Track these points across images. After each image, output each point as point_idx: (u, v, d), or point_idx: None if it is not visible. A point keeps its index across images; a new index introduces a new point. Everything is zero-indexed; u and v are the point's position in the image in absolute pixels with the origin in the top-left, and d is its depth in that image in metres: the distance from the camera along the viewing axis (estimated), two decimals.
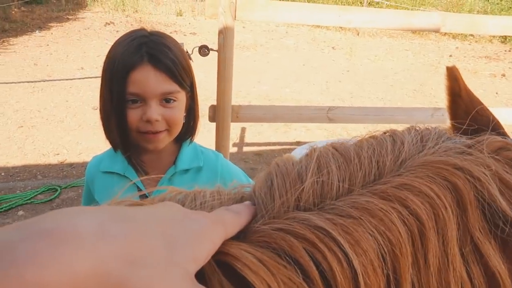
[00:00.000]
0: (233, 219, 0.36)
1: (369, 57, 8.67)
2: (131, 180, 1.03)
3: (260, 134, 4.76)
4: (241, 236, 0.35)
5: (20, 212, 3.05)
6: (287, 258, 0.32)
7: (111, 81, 0.91)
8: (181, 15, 11.49)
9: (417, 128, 0.46)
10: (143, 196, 1.02)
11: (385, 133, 0.45)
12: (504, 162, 0.40)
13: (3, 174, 3.57)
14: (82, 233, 0.24)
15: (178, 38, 9.08)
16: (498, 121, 0.54)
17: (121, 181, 1.04)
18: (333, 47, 9.39)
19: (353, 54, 8.72)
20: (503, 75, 7.85)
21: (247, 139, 4.63)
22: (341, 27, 10.67)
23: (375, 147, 0.41)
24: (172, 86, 0.92)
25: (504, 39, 10.56)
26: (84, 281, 0.23)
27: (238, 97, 5.63)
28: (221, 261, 0.32)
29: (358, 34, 10.63)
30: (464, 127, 0.51)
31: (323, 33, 10.74)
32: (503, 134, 0.51)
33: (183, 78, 0.95)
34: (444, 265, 0.35)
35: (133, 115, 0.91)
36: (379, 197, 0.36)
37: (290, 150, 3.64)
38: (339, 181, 0.37)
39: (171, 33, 9.32)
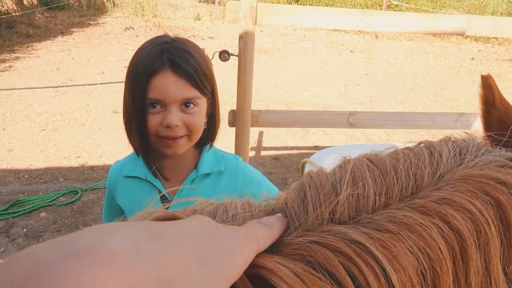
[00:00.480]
0: (265, 233, 0.35)
1: (389, 60, 8.56)
2: (153, 184, 1.04)
3: (278, 138, 4.74)
4: (274, 249, 0.35)
5: (43, 214, 3.11)
6: (322, 271, 0.31)
7: (133, 86, 0.92)
8: (199, 20, 11.61)
9: (454, 140, 0.44)
10: (166, 200, 1.03)
11: (420, 144, 0.43)
12: None
13: (26, 176, 3.65)
14: (117, 253, 0.24)
15: (196, 42, 9.10)
16: None
17: (143, 186, 1.05)
18: (351, 51, 9.31)
19: (372, 57, 8.62)
20: None
21: (264, 143, 4.62)
22: (359, 30, 10.58)
23: (411, 159, 0.40)
24: (192, 92, 0.93)
25: None
26: None
27: (255, 101, 5.63)
28: (254, 274, 0.32)
29: (377, 37, 10.52)
30: (506, 139, 0.49)
31: (341, 36, 10.66)
32: None
33: (203, 84, 0.95)
34: (486, 284, 0.34)
35: (153, 120, 0.92)
36: (418, 212, 0.34)
37: (308, 154, 3.61)
38: (375, 194, 0.36)
39: (189, 37, 9.40)
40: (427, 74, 7.78)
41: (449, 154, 0.40)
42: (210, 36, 9.71)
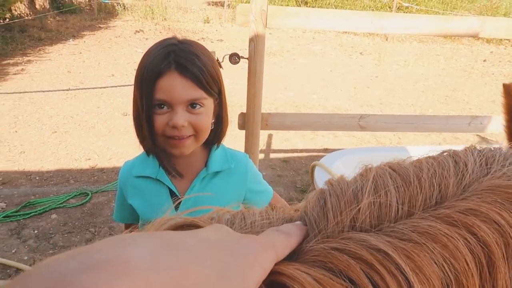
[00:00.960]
0: (283, 241, 0.34)
1: (399, 63, 8.50)
2: (163, 183, 1.05)
3: (287, 141, 4.72)
4: (294, 256, 0.34)
5: (53, 216, 3.14)
6: (343, 278, 0.31)
7: (141, 88, 0.94)
8: (208, 22, 11.66)
9: (480, 149, 0.43)
10: (177, 199, 1.03)
11: (444, 153, 0.42)
12: None
13: (37, 178, 3.69)
14: (135, 264, 0.24)
15: (205, 45, 9.14)
16: None
17: (153, 185, 1.06)
18: (361, 53, 9.26)
19: (381, 59, 8.56)
20: None
21: (274, 146, 4.61)
22: (369, 32, 10.52)
23: (435, 168, 0.39)
24: (197, 93, 0.94)
25: None
26: None
27: (264, 104, 5.61)
28: (274, 281, 0.31)
29: (386, 39, 10.45)
30: None
31: (350, 39, 10.61)
32: None
33: (210, 86, 0.96)
34: None
35: (160, 120, 0.93)
36: (443, 222, 0.33)
37: (318, 157, 3.59)
38: (398, 203, 0.35)
39: (198, 40, 9.46)
40: (438, 76, 7.69)
41: (475, 164, 0.39)
42: (219, 39, 9.74)
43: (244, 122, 1.97)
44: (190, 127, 0.95)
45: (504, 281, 0.32)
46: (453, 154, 0.42)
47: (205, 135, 1.00)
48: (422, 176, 0.38)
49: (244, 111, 1.95)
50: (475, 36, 1.93)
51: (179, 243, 0.28)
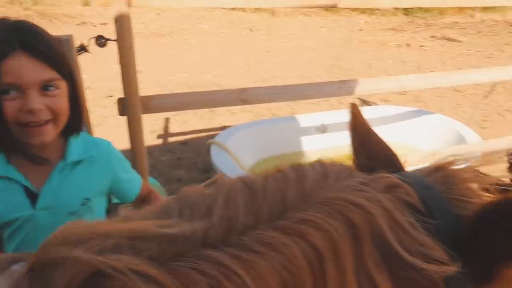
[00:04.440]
0: None
1: (287, 37, 8.87)
2: (15, 180, 0.95)
3: (185, 123, 4.67)
4: None
5: None
6: None
7: None
8: (88, 5, 10.73)
9: (322, 163, 0.48)
10: (33, 195, 0.96)
11: (291, 167, 0.47)
12: (395, 199, 0.44)
13: None
14: None
15: (87, 30, 8.48)
16: (396, 156, 0.59)
17: (3, 184, 0.95)
18: (250, 29, 9.44)
19: (271, 34, 8.84)
20: (408, 44, 8.51)
21: (172, 129, 4.53)
22: (256, 8, 10.74)
23: (279, 182, 0.43)
24: (51, 74, 0.88)
25: (406, 11, 11.40)
26: None
27: (157, 87, 5.45)
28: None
29: (273, 14, 10.79)
30: (368, 163, 0.56)
31: (239, 15, 10.72)
32: (399, 169, 0.55)
33: (62, 66, 0.90)
34: None
35: (11, 107, 0.84)
36: (282, 232, 0.38)
37: (216, 136, 3.62)
38: (245, 215, 0.39)
39: (78, 25, 8.67)
40: (323, 47, 8.23)
41: (314, 177, 0.45)
42: (102, 23, 9.05)
43: (124, 107, 1.89)
44: (47, 111, 0.88)
45: (333, 279, 0.38)
46: (297, 168, 0.46)
47: (64, 119, 0.93)
48: (268, 188, 0.42)
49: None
50: (334, 7, 2.08)
51: None
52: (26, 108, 0.85)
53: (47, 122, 0.89)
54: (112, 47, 1.84)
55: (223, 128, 4.66)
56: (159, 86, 5.53)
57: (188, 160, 3.93)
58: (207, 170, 3.71)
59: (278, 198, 0.41)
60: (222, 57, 7.14)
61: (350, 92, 2.30)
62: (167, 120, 4.66)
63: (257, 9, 10.82)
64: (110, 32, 1.89)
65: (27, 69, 0.84)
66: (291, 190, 0.42)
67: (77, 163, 1.01)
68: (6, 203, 0.96)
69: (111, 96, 4.96)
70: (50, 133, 0.91)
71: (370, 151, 0.60)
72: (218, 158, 2.93)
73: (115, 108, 1.93)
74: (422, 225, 0.42)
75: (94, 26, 8.66)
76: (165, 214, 0.40)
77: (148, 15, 9.71)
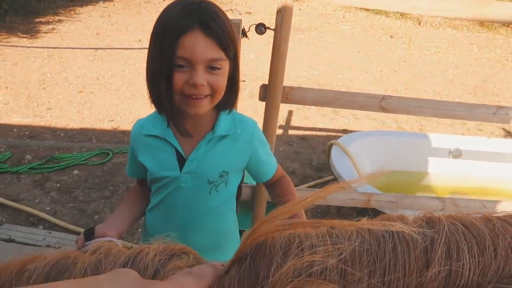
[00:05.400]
0: (193, 283, 0.35)
1: (430, 49, 8.23)
2: (170, 143, 1.07)
3: (307, 119, 4.71)
4: None
5: (75, 171, 3.27)
6: None
7: (162, 44, 0.94)
8: None
9: None
10: (181, 158, 1.08)
11: None
12: None
13: (62, 134, 3.82)
14: None
15: (233, 16, 9.09)
16: None
17: (161, 144, 1.09)
18: (391, 36, 9.00)
19: (412, 44, 8.31)
20: None
21: (293, 123, 4.61)
22: (401, 15, 10.17)
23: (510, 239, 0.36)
24: (218, 53, 0.94)
25: None
26: None
27: (287, 80, 5.56)
28: None
29: (419, 24, 10.09)
30: None
31: (382, 20, 10.29)
32: None
33: (229, 46, 0.97)
34: None
35: (180, 78, 0.94)
36: None
37: (336, 137, 3.57)
38: (469, 271, 0.33)
39: (226, 11, 9.35)
40: (469, 65, 7.43)
41: None
42: (247, 11, 9.60)
43: (265, 93, 1.98)
44: (208, 86, 0.96)
45: None
46: None
47: (220, 96, 1.01)
48: (498, 242, 0.35)
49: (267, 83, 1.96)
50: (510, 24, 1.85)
51: None
52: (192, 81, 0.93)
53: (206, 96, 0.97)
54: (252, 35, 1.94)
55: (344, 130, 4.58)
56: (288, 79, 5.66)
57: (304, 155, 3.96)
58: (321, 169, 3.71)
59: (509, 255, 0.34)
60: (356, 60, 6.98)
61: (506, 120, 2.04)
62: (290, 112, 4.76)
63: (403, 16, 10.24)
64: (252, 20, 1.98)
65: (200, 46, 0.91)
66: None
67: (223, 137, 1.09)
68: (161, 162, 1.09)
69: (244, 81, 5.25)
70: (205, 106, 0.99)
71: None
72: (337, 160, 2.90)
73: (245, 92, 2.04)
74: None
75: (240, 13, 9.23)
76: (377, 242, 0.35)
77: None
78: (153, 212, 1.18)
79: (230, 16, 1.03)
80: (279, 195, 1.21)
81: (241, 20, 1.62)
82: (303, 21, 9.18)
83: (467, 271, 0.33)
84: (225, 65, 0.98)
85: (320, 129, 4.54)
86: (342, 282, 0.31)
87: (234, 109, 1.14)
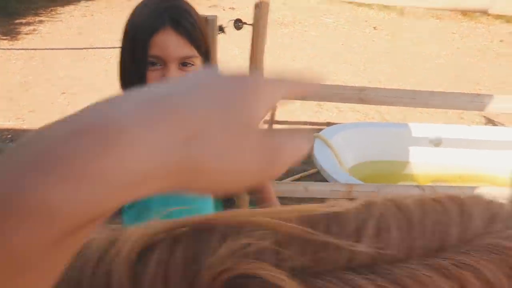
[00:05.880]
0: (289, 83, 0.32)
1: (412, 39, 8.32)
2: None
3: (291, 113, 4.75)
4: None
5: None
6: None
7: (134, 44, 0.95)
8: None
9: (487, 201, 0.42)
10: None
11: (451, 199, 0.41)
12: None
13: None
14: (126, 124, 0.22)
15: (217, 12, 9.06)
16: None
17: None
18: (374, 27, 9.06)
19: (395, 35, 8.39)
20: None
21: (277, 117, 4.64)
22: (384, 6, 10.24)
23: (440, 215, 0.38)
24: (190, 51, 0.96)
25: None
26: (151, 180, 0.22)
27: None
28: None
29: (402, 14, 10.18)
30: None
31: (365, 12, 10.35)
32: None
33: (200, 43, 0.98)
34: None
35: (153, 76, 0.95)
36: (438, 273, 0.34)
37: (320, 130, 3.61)
38: (397, 246, 0.35)
39: (210, 7, 9.31)
40: (451, 55, 7.54)
41: (480, 218, 0.38)
42: (231, 7, 9.57)
43: None
44: None
45: None
46: (460, 203, 0.40)
47: None
48: (425, 221, 0.37)
49: None
50: (484, 12, 1.90)
51: (164, 92, 0.25)
52: (164, 79, 0.94)
53: None
54: (230, 31, 1.96)
55: (328, 124, 4.62)
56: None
57: None
58: (306, 162, 3.74)
59: (437, 234, 0.36)
60: (339, 52, 7.02)
61: (481, 107, 2.10)
62: (273, 107, 4.79)
63: (386, 7, 10.32)
64: (235, 16, 2.01)
65: (172, 44, 0.93)
66: (453, 228, 0.37)
67: None
68: None
69: None
70: None
71: None
72: (320, 153, 2.94)
73: None
74: None
75: (224, 9, 9.20)
76: (312, 224, 0.36)
77: (274, 4, 9.95)
78: (128, 212, 1.19)
79: (214, 11, 1.05)
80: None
81: (216, 16, 1.64)
82: (287, 15, 9.19)
83: (396, 245, 0.35)
84: (198, 62, 1.00)
85: (304, 123, 4.58)
86: (275, 261, 0.32)
87: None
